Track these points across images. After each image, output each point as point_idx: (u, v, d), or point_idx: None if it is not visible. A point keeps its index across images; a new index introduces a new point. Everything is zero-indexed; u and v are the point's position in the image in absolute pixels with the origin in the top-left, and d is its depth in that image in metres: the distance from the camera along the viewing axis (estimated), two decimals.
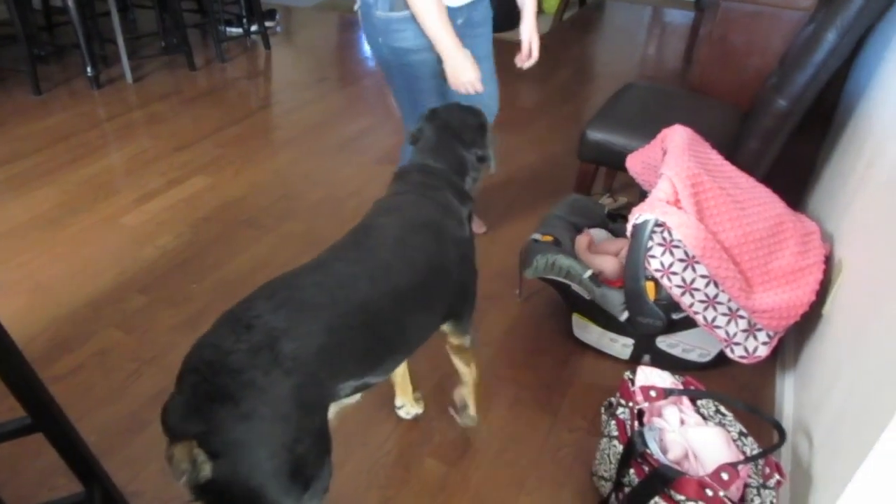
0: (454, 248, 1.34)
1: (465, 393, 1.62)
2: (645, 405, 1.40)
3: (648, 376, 1.47)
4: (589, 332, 1.93)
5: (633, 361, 1.90)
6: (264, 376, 0.95)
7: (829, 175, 2.08)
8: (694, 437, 1.37)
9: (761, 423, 1.48)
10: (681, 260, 1.62)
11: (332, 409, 1.11)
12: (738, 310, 1.66)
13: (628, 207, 1.75)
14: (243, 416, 0.92)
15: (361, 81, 3.97)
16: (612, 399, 1.51)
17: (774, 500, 1.30)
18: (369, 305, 1.12)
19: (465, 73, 1.82)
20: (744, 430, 1.41)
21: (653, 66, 4.44)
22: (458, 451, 1.66)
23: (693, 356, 1.86)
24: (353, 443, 1.67)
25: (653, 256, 1.65)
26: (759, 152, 1.98)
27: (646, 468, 1.31)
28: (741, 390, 1.83)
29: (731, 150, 2.00)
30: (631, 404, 1.42)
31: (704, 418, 1.45)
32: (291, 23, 5.01)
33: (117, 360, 1.90)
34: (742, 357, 1.71)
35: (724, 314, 1.67)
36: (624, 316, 1.79)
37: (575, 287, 1.82)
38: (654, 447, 1.32)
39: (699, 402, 1.48)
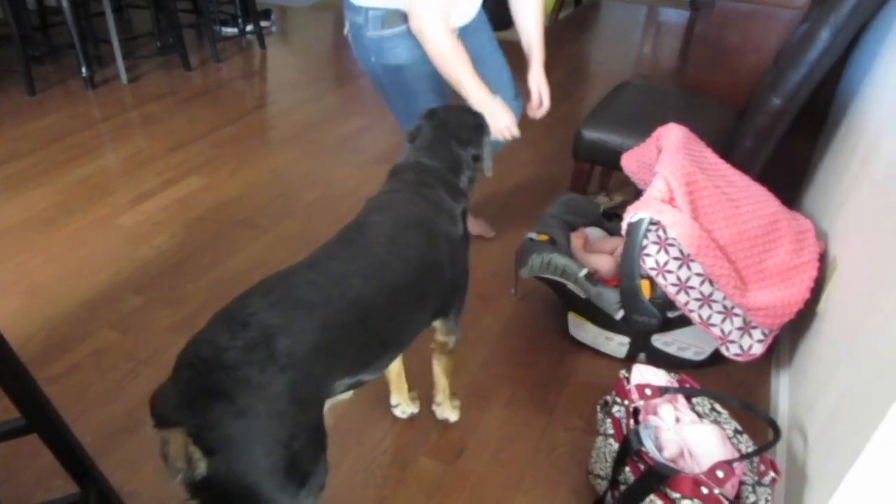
0: (446, 245, 1.35)
1: (438, 391, 1.69)
2: (640, 403, 1.41)
3: (644, 374, 1.48)
4: (585, 330, 1.94)
5: (629, 360, 1.90)
6: (260, 373, 0.95)
7: (824, 173, 2.09)
8: (689, 435, 1.37)
9: (756, 421, 1.48)
10: (676, 258, 1.63)
11: (326, 406, 1.11)
12: (732, 308, 1.66)
13: (623, 206, 1.75)
14: (239, 412, 0.92)
15: (357, 81, 3.96)
16: (608, 397, 1.51)
17: (770, 498, 1.30)
18: (362, 303, 1.12)
19: (501, 121, 1.81)
20: (739, 428, 1.42)
21: (648, 64, 4.45)
22: (455, 450, 1.66)
23: (688, 354, 1.86)
24: (349, 442, 1.67)
25: (648, 255, 1.65)
26: (753, 150, 1.99)
27: (641, 466, 1.31)
28: (736, 388, 1.84)
29: (726, 148, 2.01)
30: (627, 402, 1.42)
31: (700, 416, 1.46)
32: (287, 23, 5.00)
33: (113, 360, 1.89)
34: (737, 355, 1.71)
35: (719, 312, 1.67)
36: (619, 314, 1.80)
37: (570, 286, 1.82)
38: (649, 445, 1.32)
39: (694, 400, 1.48)
